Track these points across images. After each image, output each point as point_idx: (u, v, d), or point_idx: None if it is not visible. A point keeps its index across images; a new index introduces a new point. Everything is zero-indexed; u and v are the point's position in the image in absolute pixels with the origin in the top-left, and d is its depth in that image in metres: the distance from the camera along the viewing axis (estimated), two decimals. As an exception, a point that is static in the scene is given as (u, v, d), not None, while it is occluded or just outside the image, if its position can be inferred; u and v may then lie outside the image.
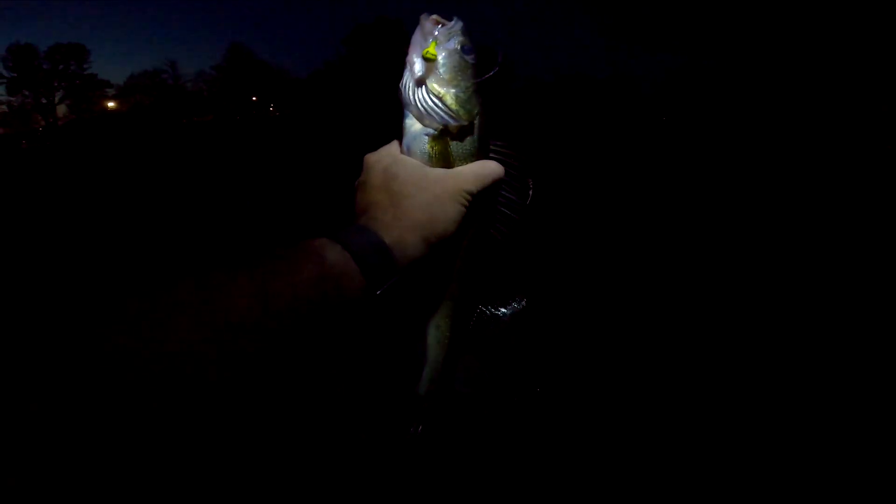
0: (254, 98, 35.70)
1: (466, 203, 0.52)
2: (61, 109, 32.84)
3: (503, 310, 0.60)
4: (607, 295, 3.36)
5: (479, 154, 0.56)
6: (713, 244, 4.60)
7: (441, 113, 0.54)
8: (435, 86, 0.54)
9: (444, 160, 0.55)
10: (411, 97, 0.54)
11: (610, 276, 3.75)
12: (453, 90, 0.55)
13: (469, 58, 0.55)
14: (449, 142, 0.55)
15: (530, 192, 0.58)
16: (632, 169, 9.93)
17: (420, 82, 0.55)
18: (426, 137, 0.55)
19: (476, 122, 0.56)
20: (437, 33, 0.56)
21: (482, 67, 0.57)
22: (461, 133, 0.55)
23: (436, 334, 0.59)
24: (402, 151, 0.56)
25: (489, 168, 0.55)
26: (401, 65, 0.57)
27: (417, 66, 0.55)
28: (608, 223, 5.52)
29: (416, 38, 0.56)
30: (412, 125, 0.55)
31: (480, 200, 0.54)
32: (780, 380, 2.37)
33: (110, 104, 34.50)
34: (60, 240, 5.19)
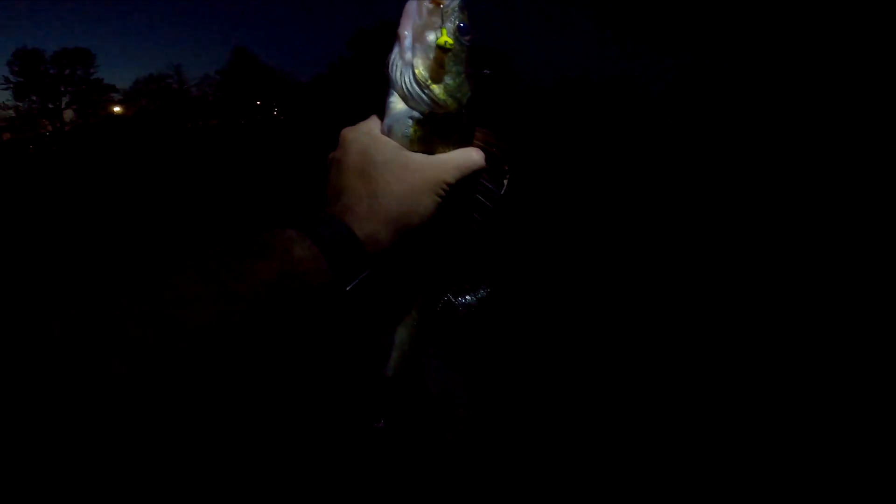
0: (258, 102, 35.89)
1: (444, 194, 0.50)
2: (68, 114, 33.00)
3: (468, 297, 0.58)
4: (609, 296, 3.41)
5: (463, 141, 0.53)
6: (719, 244, 4.63)
7: (427, 99, 0.50)
8: (422, 71, 0.50)
9: (426, 145, 0.51)
10: (398, 77, 0.50)
11: (613, 277, 3.80)
12: (441, 78, 0.50)
13: (465, 39, 0.51)
14: (433, 126, 0.51)
15: (506, 182, 0.56)
16: (637, 170, 9.94)
17: (410, 64, 0.50)
18: (409, 120, 0.51)
19: (464, 109, 0.52)
20: (435, 16, 0.50)
21: (477, 53, 0.52)
22: (446, 119, 0.51)
23: (403, 319, 0.57)
24: (382, 131, 0.52)
25: (471, 158, 0.52)
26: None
27: (407, 44, 0.50)
28: (613, 224, 5.56)
29: (411, 10, 0.51)
30: (396, 104, 0.51)
31: (458, 190, 0.52)
32: (779, 377, 2.40)
33: (116, 109, 34.71)
34: (70, 244, 5.28)
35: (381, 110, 0.53)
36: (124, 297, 0.35)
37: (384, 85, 0.52)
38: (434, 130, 0.51)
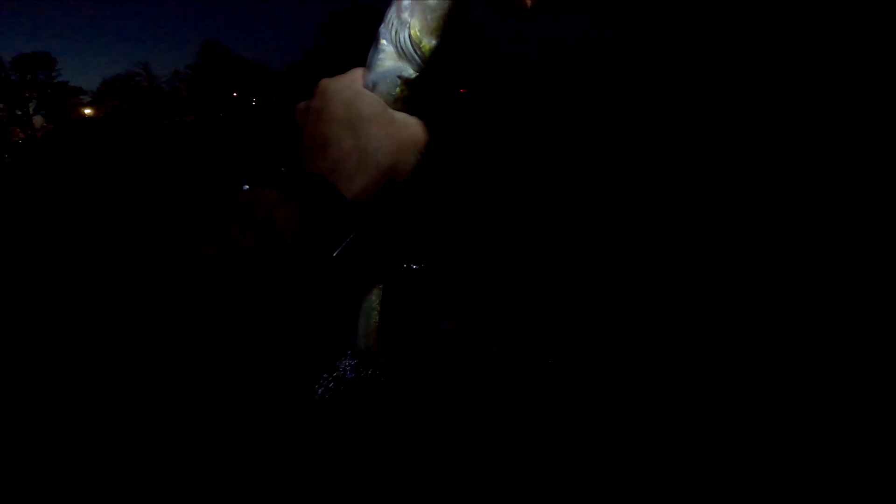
0: (234, 94, 35.07)
1: (424, 153, 0.51)
2: (38, 120, 31.91)
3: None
4: (609, 285, 3.42)
5: (435, 104, 0.54)
6: (712, 236, 4.66)
7: (419, 60, 0.50)
8: (417, 32, 0.49)
9: (408, 105, 0.52)
10: (393, 35, 0.50)
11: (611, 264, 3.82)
12: (435, 41, 0.50)
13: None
14: (420, 87, 0.52)
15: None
16: (621, 148, 9.96)
17: (406, 23, 0.50)
18: (398, 79, 0.51)
19: (447, 73, 0.53)
20: None
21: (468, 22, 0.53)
22: (433, 80, 0.52)
23: (370, 284, 0.57)
24: (365, 85, 0.52)
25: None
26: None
27: (406, 3, 0.50)
28: (605, 211, 5.58)
29: None
30: (385, 61, 0.51)
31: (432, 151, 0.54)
32: (779, 378, 2.43)
33: (87, 111, 33.64)
34: (67, 247, 5.18)
35: (363, 65, 0.52)
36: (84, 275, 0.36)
37: (373, 40, 0.52)
38: (420, 91, 0.51)
